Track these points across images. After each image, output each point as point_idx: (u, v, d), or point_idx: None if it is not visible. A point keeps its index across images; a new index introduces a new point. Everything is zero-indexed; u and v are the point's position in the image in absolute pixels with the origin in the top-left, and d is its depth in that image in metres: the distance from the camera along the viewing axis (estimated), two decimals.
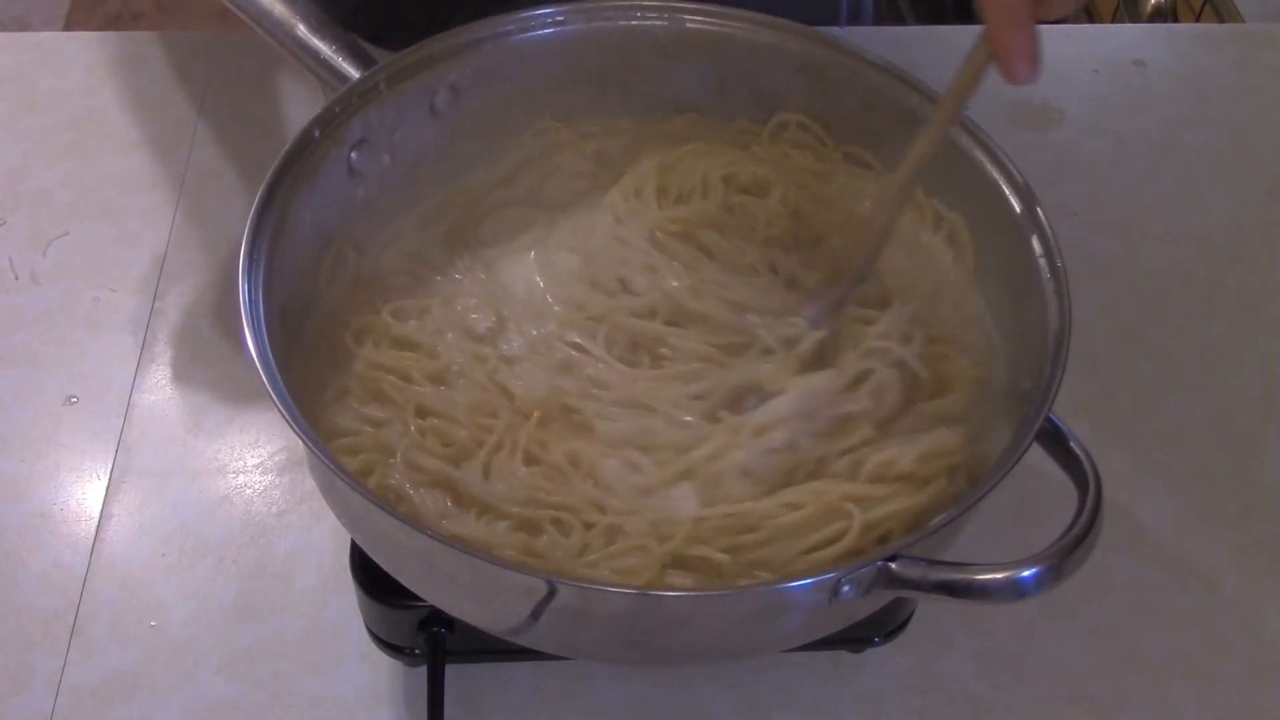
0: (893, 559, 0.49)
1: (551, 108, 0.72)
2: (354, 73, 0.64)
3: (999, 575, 0.48)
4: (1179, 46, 1.01)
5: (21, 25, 2.14)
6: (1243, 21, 1.27)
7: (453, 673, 0.62)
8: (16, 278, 0.81)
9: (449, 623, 0.60)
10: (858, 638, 0.64)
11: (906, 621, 0.65)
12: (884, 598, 0.52)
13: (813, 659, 0.66)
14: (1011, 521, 0.67)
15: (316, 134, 0.62)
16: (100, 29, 2.16)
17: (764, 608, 0.52)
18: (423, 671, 0.62)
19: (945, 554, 0.53)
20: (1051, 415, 0.53)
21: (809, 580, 0.50)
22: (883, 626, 0.64)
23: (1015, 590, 0.48)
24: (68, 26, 2.17)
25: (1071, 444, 0.53)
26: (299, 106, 0.91)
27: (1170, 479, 0.74)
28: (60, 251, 0.83)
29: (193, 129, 0.90)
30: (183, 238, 0.84)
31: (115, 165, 0.88)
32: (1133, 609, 0.69)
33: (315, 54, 0.65)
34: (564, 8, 0.69)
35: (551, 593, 0.48)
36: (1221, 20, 1.30)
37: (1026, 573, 0.47)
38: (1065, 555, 0.48)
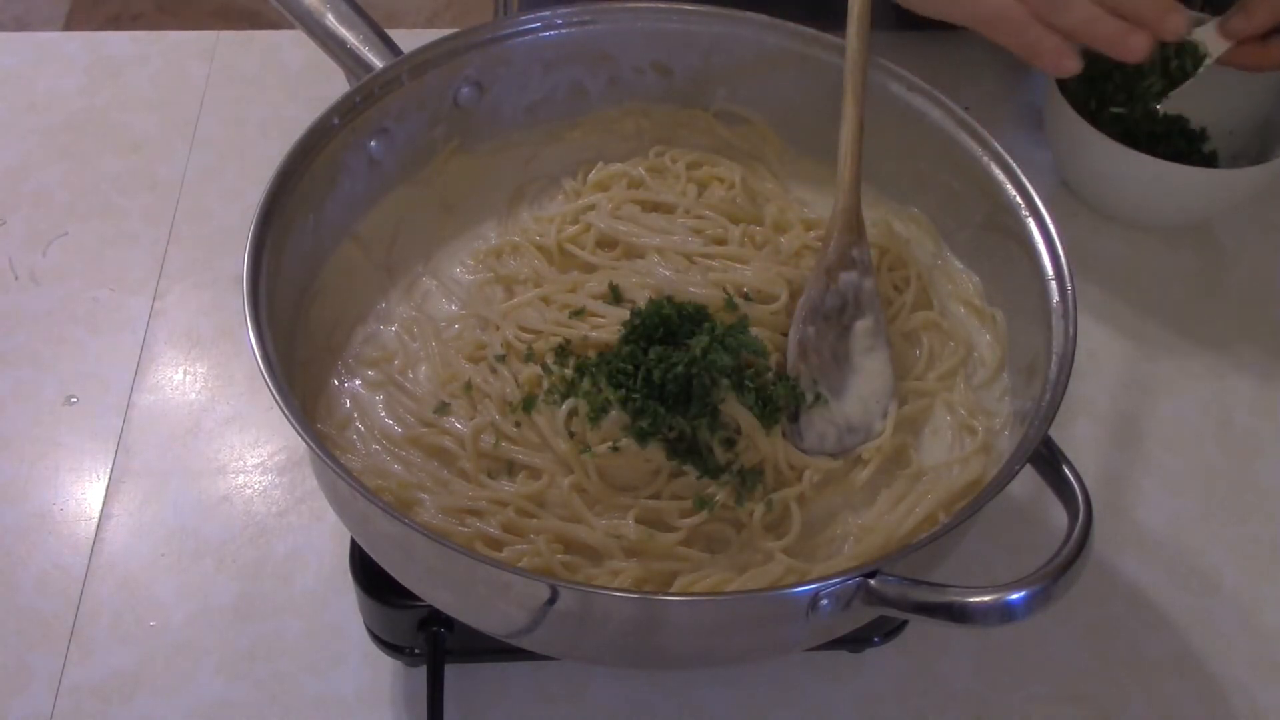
0: (872, 575, 0.48)
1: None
2: (378, 62, 0.65)
3: (987, 598, 0.47)
4: None
5: (21, 25, 2.14)
6: None
7: (452, 673, 0.62)
8: (16, 278, 0.81)
9: (448, 623, 0.60)
10: (858, 638, 0.64)
11: (906, 621, 0.65)
12: (866, 614, 0.51)
13: (813, 659, 0.66)
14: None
15: (335, 122, 0.62)
16: (100, 29, 2.16)
17: (739, 618, 0.51)
18: (423, 671, 0.62)
19: (936, 573, 0.52)
20: (1049, 439, 0.53)
21: (784, 592, 0.50)
22: (882, 626, 0.64)
23: (1003, 613, 0.47)
24: (68, 26, 2.17)
25: (1064, 468, 0.53)
26: (299, 106, 0.91)
27: (1170, 479, 0.74)
28: (60, 251, 0.83)
29: (193, 129, 0.90)
30: (183, 238, 0.84)
31: (115, 165, 0.88)
32: (1133, 609, 0.69)
33: (342, 43, 0.66)
34: (590, 7, 0.69)
35: (553, 596, 0.48)
36: None
37: (1015, 595, 0.47)
38: (1055, 579, 0.47)
